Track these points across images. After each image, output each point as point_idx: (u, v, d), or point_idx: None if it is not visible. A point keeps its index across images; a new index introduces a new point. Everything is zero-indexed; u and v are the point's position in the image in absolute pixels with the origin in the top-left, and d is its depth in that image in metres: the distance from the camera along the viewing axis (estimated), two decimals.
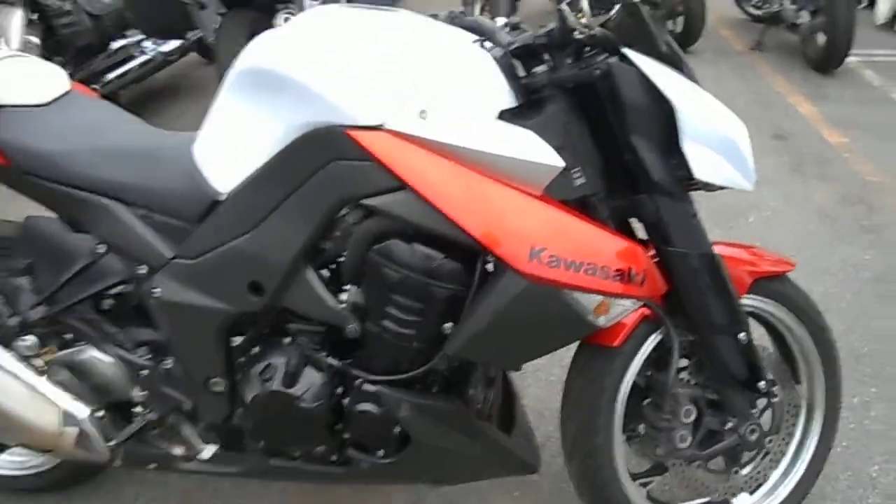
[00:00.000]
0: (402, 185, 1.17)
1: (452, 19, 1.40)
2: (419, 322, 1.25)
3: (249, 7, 3.76)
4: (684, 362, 1.44)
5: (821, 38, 4.70)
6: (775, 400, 1.49)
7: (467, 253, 1.23)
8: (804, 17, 4.75)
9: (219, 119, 1.33)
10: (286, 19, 3.76)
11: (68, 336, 1.45)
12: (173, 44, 4.66)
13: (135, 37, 4.27)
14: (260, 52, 1.26)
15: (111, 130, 1.44)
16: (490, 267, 1.23)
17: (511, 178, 1.16)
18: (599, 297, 1.18)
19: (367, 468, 1.38)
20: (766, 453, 1.54)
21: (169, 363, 1.41)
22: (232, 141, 1.30)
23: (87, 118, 1.46)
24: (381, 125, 1.17)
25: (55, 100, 1.45)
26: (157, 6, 3.61)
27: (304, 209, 1.25)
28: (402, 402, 1.30)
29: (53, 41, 3.66)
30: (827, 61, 4.71)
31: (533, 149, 1.15)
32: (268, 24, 3.82)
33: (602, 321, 1.21)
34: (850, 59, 4.76)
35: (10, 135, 1.36)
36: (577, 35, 1.15)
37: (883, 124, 4.00)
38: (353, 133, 1.17)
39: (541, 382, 2.15)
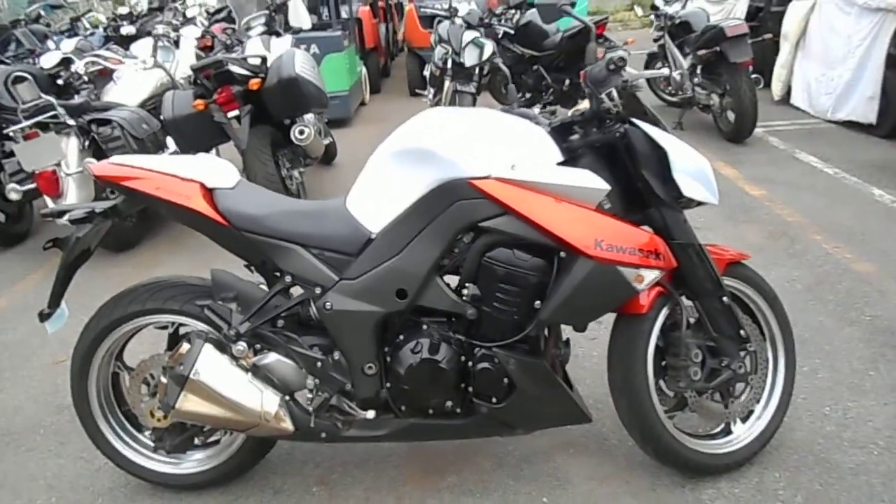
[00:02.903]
0: (505, 211, 1.85)
1: (507, 110, 2.13)
2: (519, 302, 1.89)
3: (268, 122, 4.48)
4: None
5: (731, 115, 5.71)
6: (751, 348, 2.16)
7: (547, 253, 1.90)
8: (714, 100, 5.79)
9: (366, 182, 1.99)
10: (300, 131, 4.49)
11: (258, 346, 2.02)
12: None
13: (166, 153, 4.91)
14: (405, 135, 1.93)
15: (282, 201, 2.08)
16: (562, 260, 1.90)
17: (576, 199, 1.85)
18: (637, 271, 1.86)
19: (485, 413, 1.97)
20: (751, 388, 2.21)
21: (336, 356, 2.00)
22: (379, 195, 1.96)
23: (262, 194, 2.09)
24: (489, 175, 1.85)
25: (237, 184, 2.08)
26: (197, 128, 4.28)
27: (435, 236, 1.90)
28: (510, 359, 1.93)
29: None
30: (738, 133, 5.72)
31: (589, 180, 1.85)
32: (285, 135, 4.55)
33: (640, 287, 1.89)
34: (757, 130, 5.78)
35: (227, 205, 1.97)
36: (611, 113, 1.88)
37: (793, 178, 4.94)
38: (473, 181, 1.85)
39: None
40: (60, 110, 4.13)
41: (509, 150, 1.88)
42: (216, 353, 1.95)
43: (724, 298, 2.06)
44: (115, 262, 4.39)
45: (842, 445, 2.33)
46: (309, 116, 4.96)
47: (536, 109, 2.16)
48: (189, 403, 1.92)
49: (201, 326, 2.04)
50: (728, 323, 2.09)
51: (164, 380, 1.97)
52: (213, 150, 6.00)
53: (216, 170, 2.04)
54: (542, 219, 1.83)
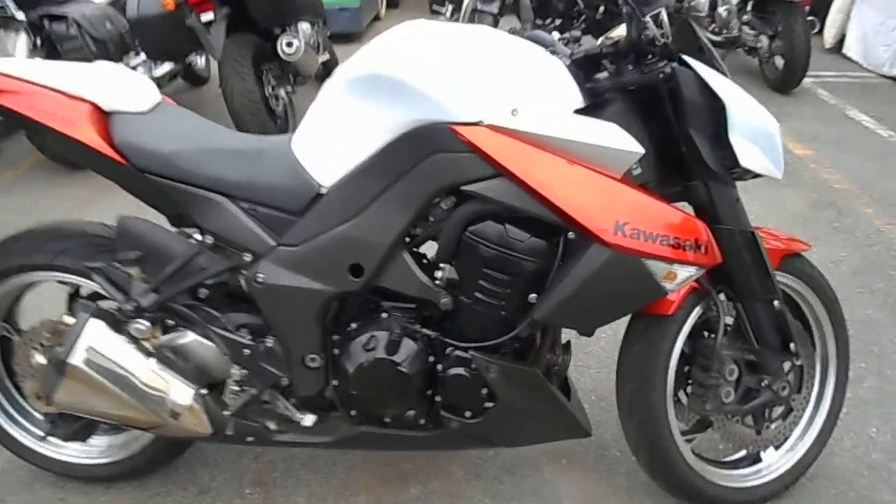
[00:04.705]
0: (498, 173, 1.36)
1: (514, 33, 1.60)
2: (509, 293, 1.43)
3: (251, 31, 3.92)
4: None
5: (779, 62, 5.09)
6: (798, 362, 1.70)
7: (550, 232, 1.42)
8: (763, 42, 5.14)
9: (320, 119, 1.49)
10: (288, 43, 3.94)
11: (171, 322, 1.58)
12: (164, 69, 4.78)
13: (131, 61, 4.38)
14: (370, 60, 1.43)
15: (209, 134, 1.59)
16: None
17: (596, 164, 1.36)
18: (669, 266, 1.39)
19: (456, 428, 1.54)
20: (791, 410, 1.76)
21: (269, 342, 1.56)
22: (334, 138, 1.47)
23: (184, 124, 1.60)
24: (479, 121, 1.35)
25: (153, 108, 1.59)
26: (167, 32, 3.74)
27: (405, 197, 1.42)
28: (490, 365, 1.48)
29: None
30: (785, 82, 5.10)
31: (617, 138, 1.35)
32: (271, 47, 4.00)
33: (669, 286, 1.41)
34: (805, 80, 5.17)
35: (127, 138, 1.49)
36: (656, 45, 1.36)
37: (843, 138, 4.37)
38: (457, 128, 1.35)
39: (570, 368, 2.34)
40: (8, 1, 3.58)
41: (511, 89, 1.38)
42: (108, 332, 1.51)
43: (776, 302, 1.58)
44: (70, 182, 3.90)
45: (890, 480, 1.90)
46: (304, 27, 4.39)
47: (556, 35, 1.63)
48: (71, 394, 1.50)
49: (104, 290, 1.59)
50: (776, 333, 1.62)
51: (41, 360, 1.54)
52: (201, 60, 5.47)
53: (121, 87, 1.55)
54: (548, 187, 1.34)
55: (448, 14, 5.89)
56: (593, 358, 2.35)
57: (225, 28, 3.69)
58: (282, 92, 4.14)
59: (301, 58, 4.06)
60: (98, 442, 1.82)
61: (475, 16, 5.40)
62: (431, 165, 1.39)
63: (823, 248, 3.09)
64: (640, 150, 1.36)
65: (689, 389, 1.70)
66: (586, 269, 1.37)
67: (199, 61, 5.46)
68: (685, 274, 1.41)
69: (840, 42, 6.29)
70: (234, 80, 3.70)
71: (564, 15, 6.22)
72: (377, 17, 8.46)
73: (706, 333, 1.67)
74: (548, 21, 6.59)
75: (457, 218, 1.42)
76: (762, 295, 1.56)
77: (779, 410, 1.73)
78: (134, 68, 4.53)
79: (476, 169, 1.37)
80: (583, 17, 5.97)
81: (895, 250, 3.09)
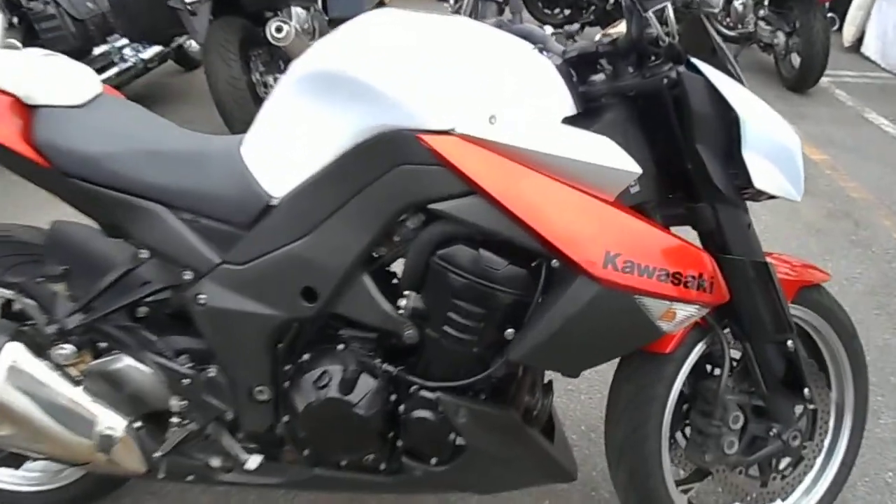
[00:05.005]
0: (471, 190, 1.17)
1: (500, 26, 1.40)
2: (481, 328, 1.24)
3: (239, 14, 3.72)
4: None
5: (795, 59, 4.85)
6: (811, 407, 1.51)
7: (530, 259, 1.23)
8: (780, 38, 4.90)
9: (272, 121, 1.30)
10: (277, 28, 3.73)
11: (104, 345, 1.39)
12: (153, 51, 4.58)
13: (116, 42, 4.18)
14: (327, 54, 1.23)
15: (150, 133, 1.40)
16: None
17: (585, 183, 1.16)
18: (667, 303, 1.19)
19: (420, 476, 1.35)
20: (801, 459, 1.57)
21: (212, 372, 1.37)
22: (287, 144, 1.28)
23: (124, 120, 1.41)
24: (451, 130, 1.16)
25: (89, 101, 1.40)
26: (146, 11, 3.53)
27: (364, 214, 1.23)
28: (460, 408, 1.29)
29: (36, 46, 3.56)
30: (802, 81, 4.86)
31: (610, 154, 1.15)
32: (259, 32, 3.79)
33: (666, 327, 1.22)
34: (822, 80, 4.93)
35: (50, 136, 1.30)
36: (661, 44, 1.16)
37: (861, 144, 4.15)
38: (424, 137, 1.16)
39: (558, 391, 2.15)
40: None
41: (489, 92, 1.18)
42: (27, 357, 1.33)
43: (790, 342, 1.39)
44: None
45: None
46: (297, 10, 4.18)
47: (549, 30, 1.43)
48: None
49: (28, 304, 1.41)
50: (789, 375, 1.42)
51: None
52: (194, 42, 5.25)
53: (50, 77, 1.36)
54: (527, 209, 1.15)
55: (452, 2, 5.65)
56: (584, 381, 2.16)
57: (210, 10, 3.49)
58: (271, 80, 3.92)
59: (292, 43, 3.84)
60: (34, 468, 1.64)
61: (479, 5, 5.17)
62: (395, 179, 1.20)
63: (839, 264, 2.88)
64: (638, 169, 1.16)
65: (687, 430, 1.52)
66: (571, 305, 1.18)
67: (193, 43, 5.25)
68: (686, 313, 1.21)
69: (859, 41, 6.05)
70: (218, 67, 3.50)
71: (573, 5, 5.96)
72: (382, 3, 8.24)
73: (708, 367, 1.48)
74: (556, 11, 6.31)
75: (423, 240, 1.23)
76: (774, 335, 1.36)
77: (787, 460, 1.54)
78: (120, 50, 4.35)
79: (445, 185, 1.17)
80: (591, 7, 5.71)
81: None
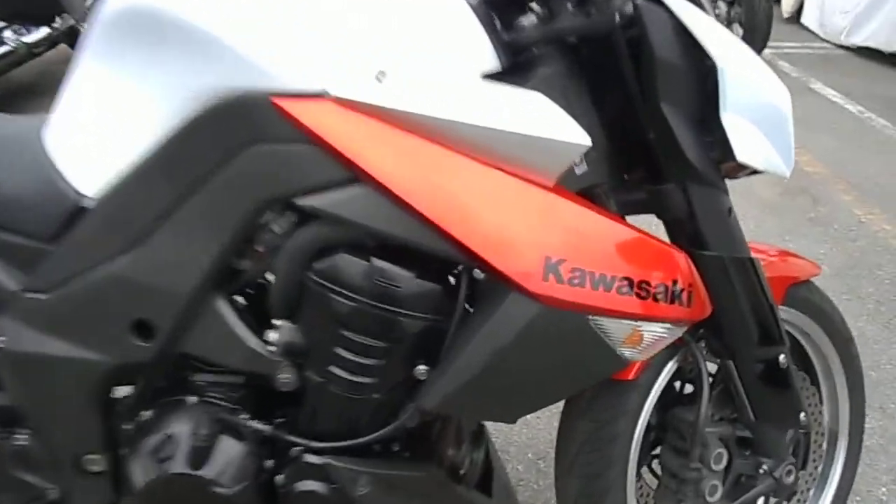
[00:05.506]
0: (353, 177, 0.82)
1: None
2: (381, 367, 0.90)
3: None
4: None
5: (737, 30, 4.65)
6: (802, 431, 1.23)
7: (444, 268, 0.89)
8: (721, 9, 4.69)
9: (80, 94, 0.93)
10: None
11: None
12: (39, 34, 4.06)
13: None
14: None
15: None
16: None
17: (514, 162, 0.82)
18: (632, 324, 0.87)
19: None
20: (793, 493, 1.28)
21: (23, 438, 1.00)
22: (101, 124, 0.91)
23: None
24: (323, 92, 0.81)
25: None
26: None
27: (210, 215, 0.88)
28: (359, 475, 0.94)
29: None
30: None
31: (548, 120, 0.82)
32: None
33: (631, 355, 0.90)
34: (765, 51, 4.73)
35: None
36: None
37: (810, 115, 3.94)
38: (284, 103, 0.81)
39: None
40: None
41: (378, 40, 0.84)
42: None
43: (782, 357, 1.09)
44: None
45: None
46: None
47: None
48: None
49: None
50: (780, 400, 1.13)
51: None
52: (83, 25, 4.74)
53: None
54: (432, 202, 0.81)
55: None
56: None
57: None
58: None
59: None
60: None
61: None
62: (247, 164, 0.84)
63: (799, 244, 2.64)
64: (586, 141, 0.83)
65: (654, 464, 1.22)
66: (501, 331, 0.84)
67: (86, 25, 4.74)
68: (656, 334, 0.90)
69: (798, 11, 5.92)
70: None
71: None
72: None
73: (677, 385, 1.18)
74: None
75: (293, 249, 0.88)
76: (763, 349, 1.06)
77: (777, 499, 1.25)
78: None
79: (317, 170, 0.83)
80: None
81: (881, 246, 2.67)
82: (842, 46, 5.33)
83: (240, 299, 0.98)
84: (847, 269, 2.52)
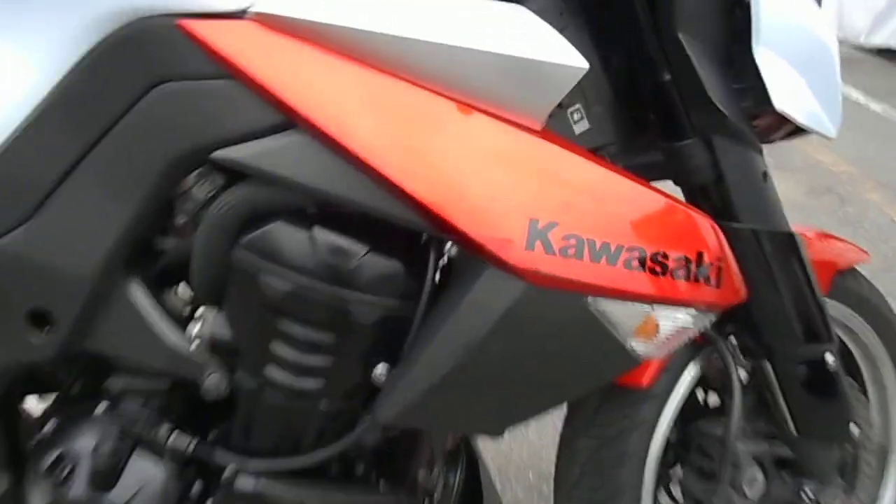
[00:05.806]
0: (286, 121, 0.65)
1: None
2: (329, 367, 0.71)
3: None
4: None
5: None
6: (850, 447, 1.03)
7: (407, 240, 0.71)
8: None
9: None
10: None
11: None
12: None
13: None
14: None
15: None
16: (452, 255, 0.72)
17: (490, 97, 0.64)
18: (645, 308, 0.68)
19: None
20: None
21: None
22: None
23: None
24: (244, 10, 0.64)
25: None
26: None
27: (113, 178, 0.70)
28: (305, 501, 0.76)
29: None
30: None
31: (533, 39, 0.64)
32: None
33: (644, 349, 0.71)
34: None
35: None
36: None
37: None
38: (195, 26, 0.63)
39: None
40: None
41: None
42: None
43: (829, 356, 0.89)
44: None
45: None
46: None
47: None
48: None
49: None
50: (827, 410, 0.93)
51: None
52: None
53: None
54: (384, 151, 0.63)
55: None
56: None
57: None
58: None
59: None
60: None
61: None
62: (154, 109, 0.67)
63: None
64: (584, 63, 0.65)
65: (673, 488, 1.02)
66: (475, 319, 0.66)
67: None
68: (677, 323, 0.71)
69: None
70: None
71: None
72: None
73: (702, 395, 0.99)
74: None
75: (216, 216, 0.70)
76: (805, 349, 0.86)
77: None
78: None
79: (240, 112, 0.65)
80: None
81: None
82: (861, 48, 5.23)
83: (172, 289, 0.80)
84: (882, 272, 2.30)
